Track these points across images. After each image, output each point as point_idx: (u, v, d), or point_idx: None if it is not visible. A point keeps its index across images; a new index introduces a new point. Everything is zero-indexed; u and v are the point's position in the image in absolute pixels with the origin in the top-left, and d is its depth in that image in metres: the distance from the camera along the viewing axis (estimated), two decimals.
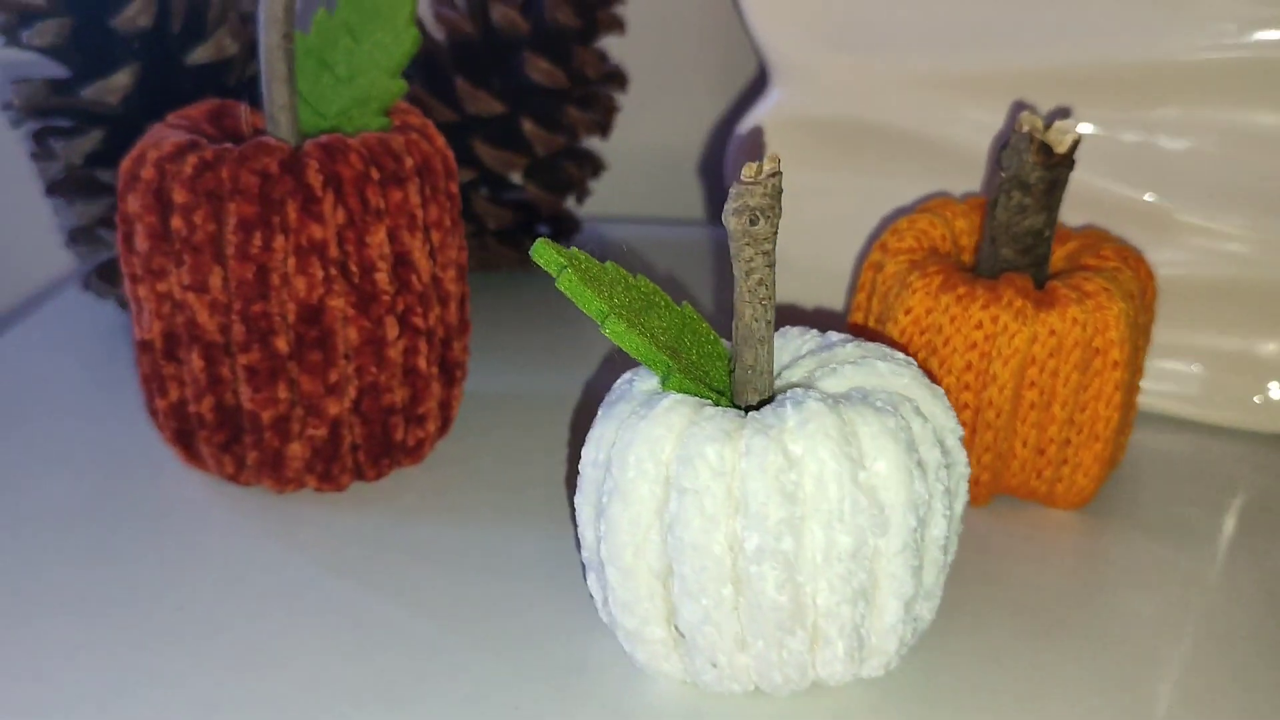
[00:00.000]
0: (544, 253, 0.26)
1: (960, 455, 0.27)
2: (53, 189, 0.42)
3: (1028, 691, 0.27)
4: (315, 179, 0.31)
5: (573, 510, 0.29)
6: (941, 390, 0.27)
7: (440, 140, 0.35)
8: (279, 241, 0.31)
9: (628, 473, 0.25)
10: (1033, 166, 0.33)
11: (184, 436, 0.34)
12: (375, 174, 0.32)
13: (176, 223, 0.31)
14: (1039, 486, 0.35)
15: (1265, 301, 0.39)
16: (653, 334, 0.27)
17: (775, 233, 0.26)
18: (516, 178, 0.51)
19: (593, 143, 0.55)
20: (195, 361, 0.32)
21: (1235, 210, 0.38)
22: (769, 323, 0.27)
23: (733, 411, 0.25)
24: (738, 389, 0.27)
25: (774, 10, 0.43)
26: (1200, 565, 0.33)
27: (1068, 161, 0.33)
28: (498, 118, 0.49)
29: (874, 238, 0.44)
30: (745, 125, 0.45)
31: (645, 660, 0.26)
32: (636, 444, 0.25)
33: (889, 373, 0.26)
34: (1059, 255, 0.36)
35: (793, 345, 0.29)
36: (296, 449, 0.33)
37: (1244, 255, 0.39)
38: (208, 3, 0.42)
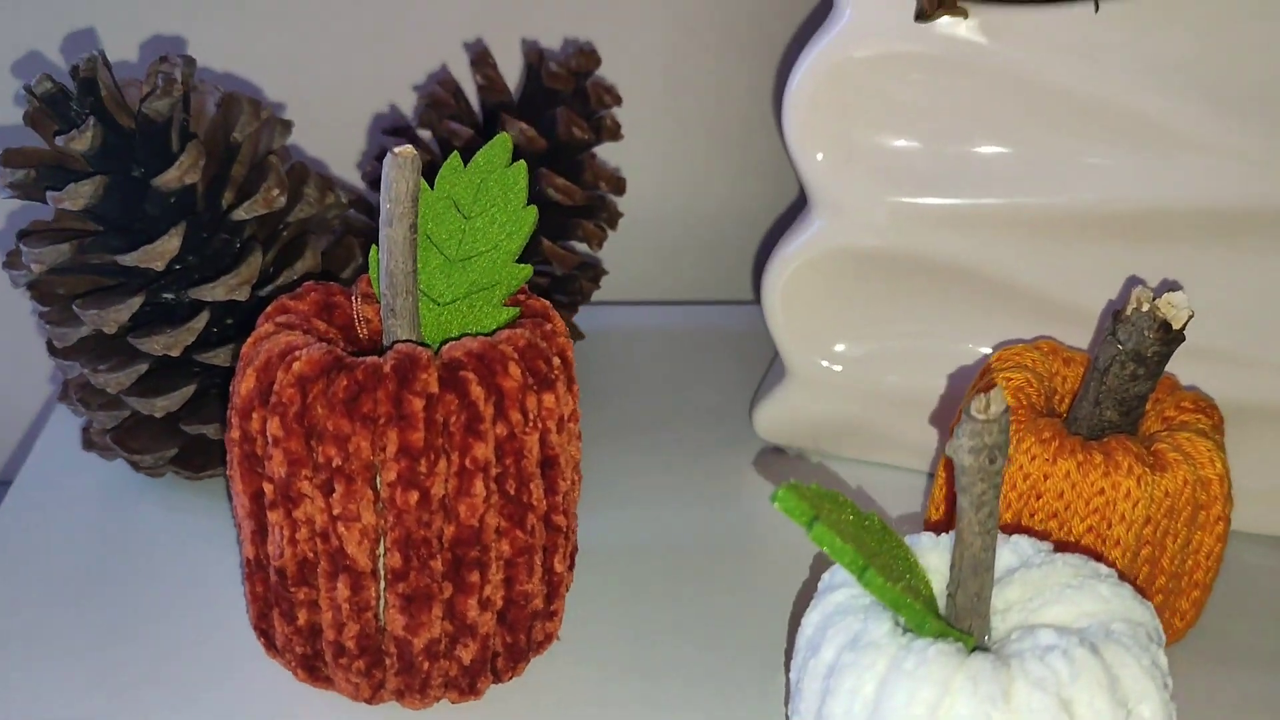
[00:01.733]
0: (790, 502, 0.26)
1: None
2: (70, 353, 0.38)
3: None
4: (478, 394, 0.29)
5: None
6: (1149, 601, 0.28)
7: (561, 321, 0.33)
8: (442, 465, 0.29)
9: None
10: (1152, 342, 0.34)
11: (312, 660, 0.31)
12: (531, 381, 0.30)
13: (329, 451, 0.29)
14: None
15: None
16: (892, 572, 0.27)
17: (1001, 477, 0.27)
18: None
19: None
20: (340, 591, 0.30)
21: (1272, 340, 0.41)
22: (994, 551, 0.27)
23: (986, 658, 0.26)
24: (960, 615, 0.28)
25: (821, 148, 0.43)
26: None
27: (1181, 336, 0.35)
28: None
29: (918, 364, 0.45)
30: (787, 251, 0.45)
31: None
32: (913, 705, 0.25)
33: (1113, 596, 0.27)
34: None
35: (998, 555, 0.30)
36: (443, 667, 0.31)
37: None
38: (237, 151, 0.38)
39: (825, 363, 0.46)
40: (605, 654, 0.35)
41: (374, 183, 0.48)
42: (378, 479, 0.29)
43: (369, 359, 0.29)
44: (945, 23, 0.40)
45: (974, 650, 0.27)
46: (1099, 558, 0.35)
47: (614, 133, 0.50)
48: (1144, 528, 0.35)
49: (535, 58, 0.50)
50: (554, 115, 0.48)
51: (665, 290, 0.61)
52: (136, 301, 0.36)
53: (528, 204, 0.33)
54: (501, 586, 0.31)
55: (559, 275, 0.49)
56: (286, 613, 0.31)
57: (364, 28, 0.53)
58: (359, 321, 0.32)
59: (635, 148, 0.54)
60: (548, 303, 0.34)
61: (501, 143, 0.34)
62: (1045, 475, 0.35)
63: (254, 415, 0.30)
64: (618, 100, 0.51)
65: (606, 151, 0.53)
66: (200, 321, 0.37)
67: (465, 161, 0.33)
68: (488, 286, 0.33)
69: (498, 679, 0.33)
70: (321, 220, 0.41)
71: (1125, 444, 0.35)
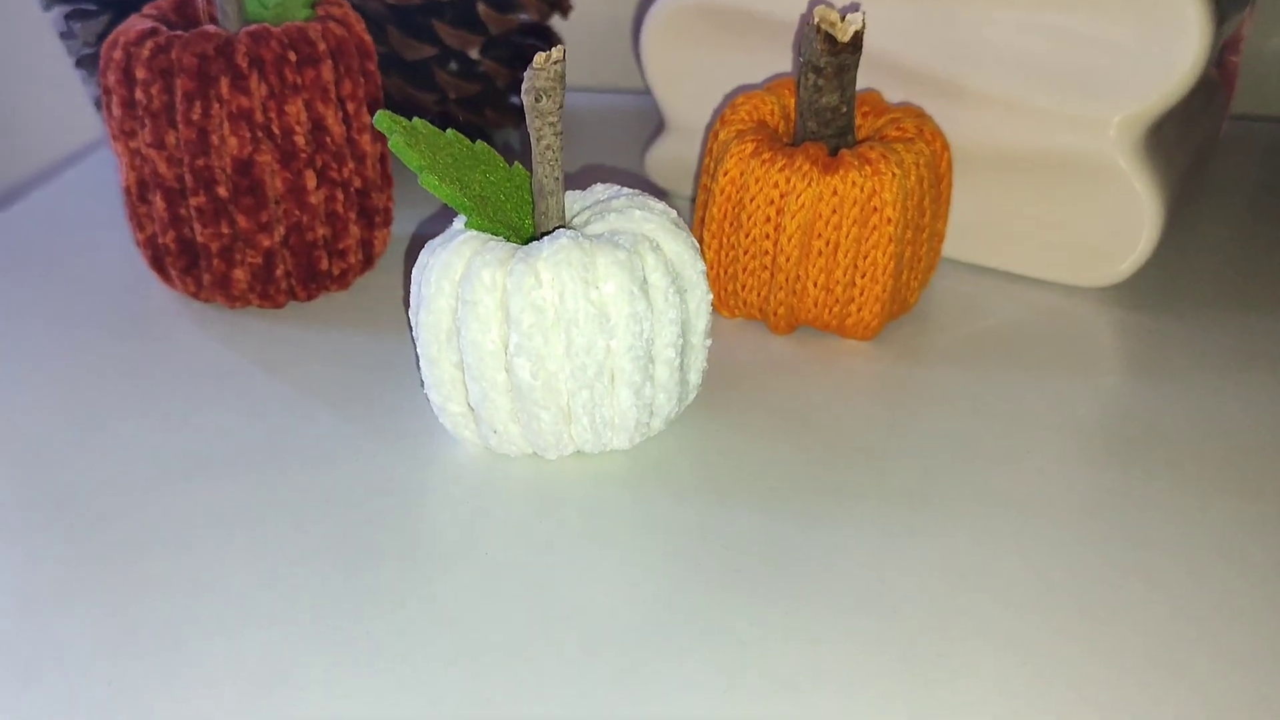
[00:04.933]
0: (382, 121, 0.35)
1: (701, 284, 0.35)
2: (79, 62, 0.52)
3: (746, 474, 0.36)
4: (243, 60, 0.40)
5: None
6: (686, 234, 0.35)
7: (358, 27, 0.43)
8: (215, 109, 0.40)
9: (429, 289, 0.34)
10: (821, 53, 0.40)
11: (157, 262, 0.44)
12: (293, 56, 0.41)
13: (139, 94, 0.40)
14: (831, 320, 0.42)
15: (1062, 171, 0.45)
16: (466, 186, 0.35)
17: (559, 108, 0.34)
18: (475, 53, 0.59)
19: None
20: (159, 203, 0.42)
21: (1042, 89, 0.44)
22: (557, 179, 0.35)
23: (511, 245, 0.34)
24: (537, 225, 0.36)
25: None
26: (958, 390, 0.40)
27: (851, 49, 0.40)
28: (456, 1, 0.57)
29: None
30: (654, 9, 0.52)
31: (451, 428, 0.35)
32: (436, 268, 0.33)
33: (641, 219, 0.34)
34: (875, 125, 0.43)
35: (592, 197, 0.37)
36: (240, 274, 0.43)
37: (1047, 129, 0.45)
38: None
39: (683, 104, 0.53)
40: (394, 297, 0.45)
41: None
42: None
43: (176, 33, 0.41)
44: None
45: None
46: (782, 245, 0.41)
47: None
48: (814, 221, 0.40)
49: None
50: None
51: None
52: (105, 18, 0.49)
53: None
54: (283, 217, 0.42)
55: (494, 35, 0.58)
56: (138, 225, 0.43)
57: None
58: (204, 17, 0.44)
59: None
60: (356, 24, 0.43)
61: None
62: (741, 173, 0.41)
63: (107, 74, 0.41)
64: None
65: None
66: None
67: None
68: None
69: (295, 297, 0.44)
70: None
71: (809, 148, 0.41)
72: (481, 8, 0.57)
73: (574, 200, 0.37)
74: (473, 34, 0.57)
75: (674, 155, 0.55)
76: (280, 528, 0.33)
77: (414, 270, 0.35)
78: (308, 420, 0.38)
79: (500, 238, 0.35)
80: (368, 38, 0.43)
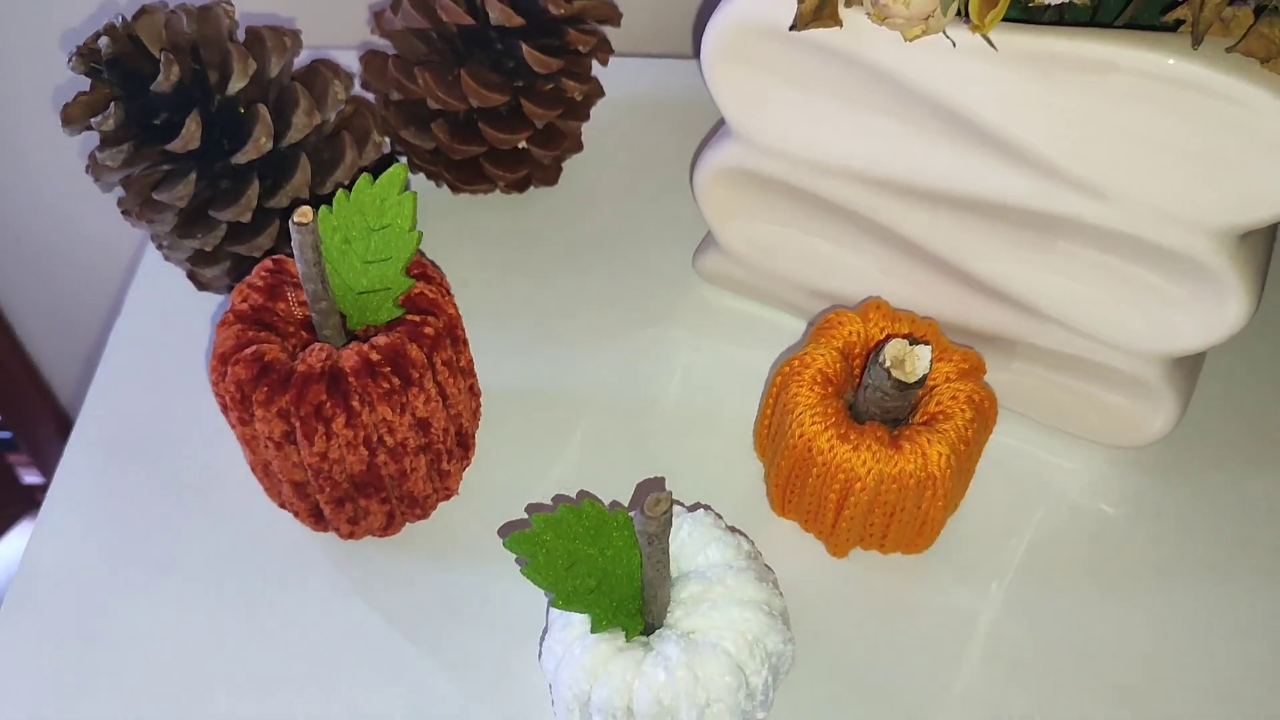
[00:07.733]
0: (515, 546, 0.39)
1: (788, 649, 0.42)
2: (154, 239, 0.52)
3: None
4: (355, 400, 0.43)
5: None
6: (781, 623, 0.41)
7: (448, 304, 0.45)
8: (334, 442, 0.43)
9: (562, 690, 0.40)
10: (890, 388, 0.43)
11: (285, 508, 0.49)
12: (397, 381, 0.43)
13: (259, 426, 0.43)
14: (885, 550, 0.49)
15: (1101, 374, 0.49)
16: (584, 577, 0.40)
17: (667, 541, 0.39)
18: (522, 144, 0.58)
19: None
20: (287, 489, 0.46)
21: (1090, 324, 0.47)
22: (666, 578, 0.40)
23: (633, 657, 0.40)
24: (646, 606, 0.41)
25: (732, 93, 0.48)
26: (990, 633, 0.48)
27: (915, 386, 0.43)
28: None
29: (802, 260, 0.53)
30: (708, 157, 0.52)
31: None
32: (566, 678, 0.40)
33: (739, 619, 0.40)
34: (936, 374, 0.47)
35: (699, 548, 0.42)
36: (364, 525, 0.48)
37: (1090, 346, 0.49)
38: (238, 107, 0.49)
39: (736, 240, 0.55)
40: (495, 501, 0.51)
41: (384, 35, 0.56)
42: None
43: (288, 368, 0.43)
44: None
45: (636, 637, 0.41)
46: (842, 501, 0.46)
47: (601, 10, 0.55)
48: (877, 494, 0.46)
49: None
50: None
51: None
52: (171, 219, 0.50)
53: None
54: (396, 487, 0.47)
55: (540, 128, 0.57)
56: (268, 489, 0.48)
57: None
58: (294, 306, 0.45)
59: None
60: (438, 297, 0.45)
61: (393, 173, 0.43)
62: (810, 449, 0.46)
63: (221, 387, 0.44)
64: None
65: None
66: (221, 230, 0.50)
67: None
68: (383, 289, 0.44)
69: (409, 520, 0.50)
70: (318, 133, 0.51)
71: (874, 433, 0.45)
72: (527, 105, 0.56)
73: (676, 539, 0.42)
74: (517, 131, 0.57)
75: (723, 270, 0.57)
76: None
77: (544, 654, 0.42)
78: (435, 697, 0.45)
79: (620, 630, 0.41)
80: (454, 309, 0.45)
